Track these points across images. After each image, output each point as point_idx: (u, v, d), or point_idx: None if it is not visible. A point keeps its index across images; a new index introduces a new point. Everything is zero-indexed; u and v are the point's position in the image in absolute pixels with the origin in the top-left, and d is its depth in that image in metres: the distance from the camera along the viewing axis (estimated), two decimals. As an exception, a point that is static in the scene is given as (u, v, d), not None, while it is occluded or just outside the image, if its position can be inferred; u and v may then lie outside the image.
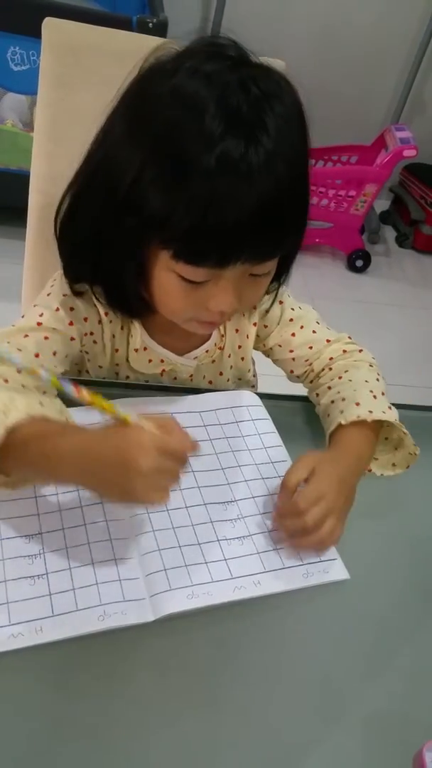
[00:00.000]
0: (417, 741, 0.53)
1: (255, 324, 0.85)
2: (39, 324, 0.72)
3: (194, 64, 0.60)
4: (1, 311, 1.45)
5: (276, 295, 0.82)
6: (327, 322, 0.89)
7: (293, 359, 0.86)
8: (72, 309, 0.75)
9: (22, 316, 0.74)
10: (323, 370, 0.84)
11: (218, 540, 0.67)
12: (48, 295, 0.75)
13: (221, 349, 0.85)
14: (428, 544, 0.75)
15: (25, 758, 0.51)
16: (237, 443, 0.78)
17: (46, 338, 0.72)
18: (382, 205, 2.90)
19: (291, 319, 0.86)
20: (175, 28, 1.88)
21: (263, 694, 0.58)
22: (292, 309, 0.86)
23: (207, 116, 0.57)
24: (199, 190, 0.58)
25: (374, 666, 0.63)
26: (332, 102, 2.62)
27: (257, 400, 0.84)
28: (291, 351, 0.84)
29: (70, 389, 0.55)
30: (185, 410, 0.79)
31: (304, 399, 0.87)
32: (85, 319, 0.76)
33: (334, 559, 0.68)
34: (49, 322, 0.73)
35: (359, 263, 2.57)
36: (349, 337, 0.87)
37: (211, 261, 0.63)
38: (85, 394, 0.55)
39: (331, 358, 0.84)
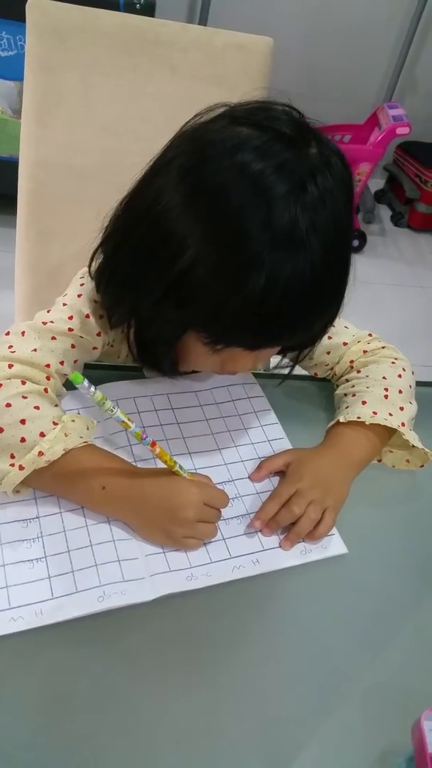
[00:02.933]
0: (416, 710, 0.53)
1: None
2: (70, 330, 0.71)
3: (258, 144, 0.58)
4: (-6, 300, 1.46)
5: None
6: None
7: (315, 365, 0.85)
8: (101, 317, 0.73)
9: (48, 311, 0.72)
10: (345, 370, 0.83)
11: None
12: (79, 296, 0.73)
13: None
14: (427, 516, 0.75)
15: (25, 738, 0.51)
16: (233, 422, 0.78)
17: (72, 346, 0.71)
18: (377, 184, 2.89)
19: None
20: (163, 8, 1.85)
21: (263, 668, 0.59)
22: None
23: (275, 210, 0.56)
24: (254, 293, 0.57)
25: (373, 638, 0.63)
26: (323, 80, 2.59)
27: (252, 379, 0.84)
28: (311, 359, 0.83)
29: (148, 445, 0.62)
30: (182, 390, 0.80)
31: (299, 377, 0.87)
32: (112, 328, 0.74)
33: (332, 534, 0.69)
34: (78, 330, 0.71)
35: (355, 243, 2.55)
36: (370, 335, 0.85)
37: (242, 345, 0.65)
38: (158, 450, 0.63)
39: (351, 361, 0.83)
